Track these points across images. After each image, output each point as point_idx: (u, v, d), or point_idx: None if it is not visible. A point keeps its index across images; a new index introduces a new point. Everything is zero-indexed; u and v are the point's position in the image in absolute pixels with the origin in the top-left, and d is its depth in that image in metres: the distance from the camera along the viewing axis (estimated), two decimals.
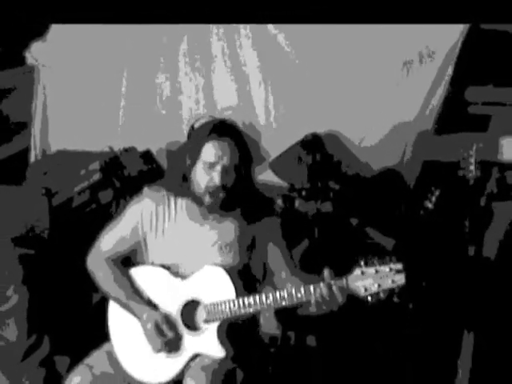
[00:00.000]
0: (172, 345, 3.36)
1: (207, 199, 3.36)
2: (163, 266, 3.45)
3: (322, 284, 3.07)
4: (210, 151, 3.33)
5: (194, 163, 3.38)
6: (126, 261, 3.59)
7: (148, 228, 3.51)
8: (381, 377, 4.36)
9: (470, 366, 4.17)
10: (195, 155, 3.37)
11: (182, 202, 3.49)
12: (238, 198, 3.42)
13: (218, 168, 3.32)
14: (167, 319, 3.37)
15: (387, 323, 4.48)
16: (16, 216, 4.72)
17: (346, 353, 4.53)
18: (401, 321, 4.45)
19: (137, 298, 3.45)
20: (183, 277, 3.40)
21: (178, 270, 3.42)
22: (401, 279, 3.01)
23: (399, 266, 3.01)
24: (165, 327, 3.35)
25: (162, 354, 3.40)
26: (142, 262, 3.54)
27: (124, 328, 3.52)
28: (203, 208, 3.41)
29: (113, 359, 3.51)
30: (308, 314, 3.18)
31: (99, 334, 3.62)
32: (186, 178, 3.43)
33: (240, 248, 3.42)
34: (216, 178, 3.32)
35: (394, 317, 4.43)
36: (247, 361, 3.45)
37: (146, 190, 3.64)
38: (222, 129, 3.37)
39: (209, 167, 3.33)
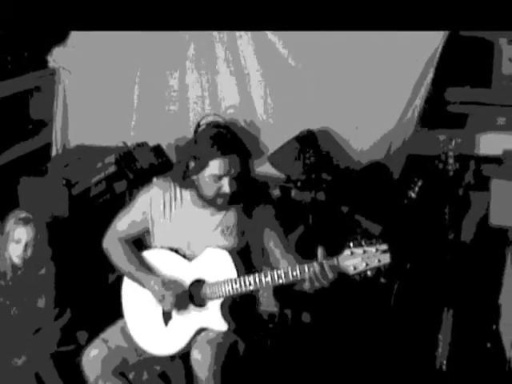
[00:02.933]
0: (181, 302, 3.37)
1: (219, 202, 3.35)
2: (171, 249, 3.45)
3: (315, 263, 3.07)
4: (219, 166, 3.29)
5: (199, 171, 3.34)
6: (139, 245, 3.61)
7: (156, 214, 3.51)
8: (368, 349, 4.35)
9: (450, 340, 4.17)
10: (202, 165, 3.32)
11: (187, 192, 3.48)
12: (239, 190, 3.41)
13: (226, 180, 3.30)
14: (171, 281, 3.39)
15: (375, 300, 4.48)
16: (39, 204, 4.73)
17: (338, 328, 4.53)
18: (387, 298, 4.46)
19: (145, 271, 3.45)
20: (189, 258, 3.40)
21: (184, 253, 3.43)
22: (386, 258, 3.01)
23: (384, 247, 3.02)
24: (170, 282, 3.36)
25: (172, 326, 3.41)
26: (152, 246, 3.55)
27: (136, 306, 3.54)
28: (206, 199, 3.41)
29: (126, 334, 3.53)
30: (302, 289, 3.18)
31: (114, 312, 3.63)
32: (185, 177, 3.42)
33: (240, 231, 3.41)
34: (226, 187, 3.30)
35: (381, 294, 4.44)
36: (248, 335, 3.46)
37: (154, 180, 3.67)
38: (227, 146, 3.31)
39: (218, 178, 3.31)
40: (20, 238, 3.84)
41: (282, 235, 3.48)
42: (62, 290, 3.95)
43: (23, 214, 3.89)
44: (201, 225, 3.43)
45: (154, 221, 3.52)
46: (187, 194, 3.49)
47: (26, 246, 3.85)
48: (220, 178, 3.31)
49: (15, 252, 3.85)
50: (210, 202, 3.38)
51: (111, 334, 3.55)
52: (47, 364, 3.80)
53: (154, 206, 3.51)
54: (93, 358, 3.43)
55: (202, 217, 3.44)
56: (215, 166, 3.30)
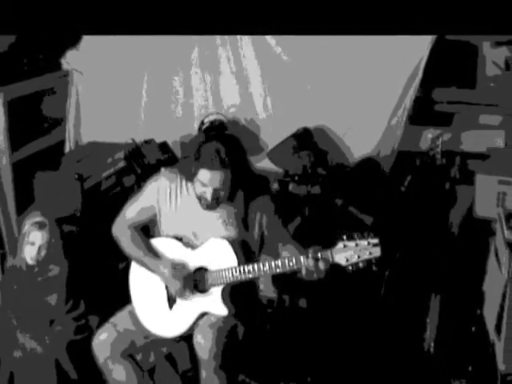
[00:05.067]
0: (189, 284, 3.36)
1: (202, 202, 3.35)
2: (176, 238, 3.44)
3: (310, 256, 3.08)
4: (204, 176, 3.29)
5: (194, 173, 3.34)
6: (145, 234, 3.59)
7: (163, 202, 3.49)
8: (360, 332, 4.35)
9: (437, 323, 4.17)
10: (195, 170, 3.33)
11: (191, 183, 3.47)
12: (238, 185, 3.41)
13: (210, 189, 3.30)
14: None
15: (367, 287, 4.48)
16: (53, 197, 4.72)
17: (332, 313, 4.53)
18: (378, 285, 4.46)
19: (152, 256, 3.45)
20: (193, 247, 3.39)
21: (188, 241, 3.41)
22: (377, 251, 3.02)
23: (376, 241, 3.02)
24: (178, 265, 3.36)
25: (176, 310, 3.41)
26: (158, 235, 3.54)
27: (142, 290, 3.53)
28: None
29: (134, 318, 3.52)
30: (302, 278, 3.17)
31: (123, 298, 3.62)
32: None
33: (240, 223, 3.40)
34: (208, 195, 3.31)
35: (372, 282, 4.43)
36: (248, 319, 3.46)
37: (162, 170, 3.63)
38: (217, 162, 3.26)
39: (203, 185, 3.31)
40: (34, 240, 3.82)
41: (283, 226, 3.49)
42: (75, 282, 3.93)
43: (39, 218, 3.85)
44: (204, 215, 3.41)
45: (160, 209, 3.51)
46: (192, 186, 3.47)
47: (40, 248, 3.83)
48: (204, 185, 3.30)
49: (29, 253, 3.84)
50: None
51: (120, 318, 3.55)
52: (64, 352, 3.81)
53: (161, 194, 3.50)
54: (102, 340, 3.44)
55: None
56: (202, 175, 3.30)
